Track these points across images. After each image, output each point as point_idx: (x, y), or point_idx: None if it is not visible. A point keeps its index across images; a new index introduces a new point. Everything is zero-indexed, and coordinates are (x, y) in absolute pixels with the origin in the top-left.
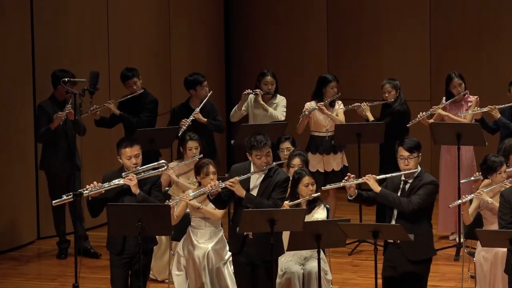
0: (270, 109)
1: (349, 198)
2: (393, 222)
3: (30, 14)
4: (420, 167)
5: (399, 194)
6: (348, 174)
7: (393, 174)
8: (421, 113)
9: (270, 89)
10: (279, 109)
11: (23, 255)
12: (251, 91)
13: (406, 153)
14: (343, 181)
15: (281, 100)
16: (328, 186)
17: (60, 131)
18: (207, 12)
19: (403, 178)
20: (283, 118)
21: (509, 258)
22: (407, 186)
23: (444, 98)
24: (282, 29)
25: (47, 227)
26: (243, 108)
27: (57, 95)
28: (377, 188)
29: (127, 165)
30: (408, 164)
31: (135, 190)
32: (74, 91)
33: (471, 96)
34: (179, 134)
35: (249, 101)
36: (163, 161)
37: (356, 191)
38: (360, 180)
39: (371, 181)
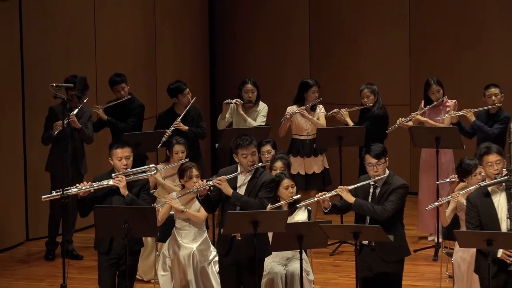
0: (248, 119)
1: (324, 211)
2: (368, 223)
3: (19, 21)
4: (388, 170)
5: (369, 199)
6: (321, 193)
7: (364, 183)
8: (400, 118)
9: (251, 97)
10: (258, 118)
11: (12, 256)
12: (231, 100)
13: (374, 160)
14: (317, 195)
15: (262, 108)
16: (302, 203)
17: (67, 137)
18: (192, 19)
19: (372, 183)
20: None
21: (478, 258)
22: (377, 191)
23: (422, 102)
24: (265, 35)
25: (36, 228)
26: (227, 116)
27: (70, 102)
28: (351, 199)
29: (118, 166)
30: (377, 170)
31: (124, 191)
32: (62, 96)
33: (449, 101)
34: (159, 146)
35: (233, 108)
36: (152, 165)
37: (330, 203)
38: (333, 193)
39: (344, 193)
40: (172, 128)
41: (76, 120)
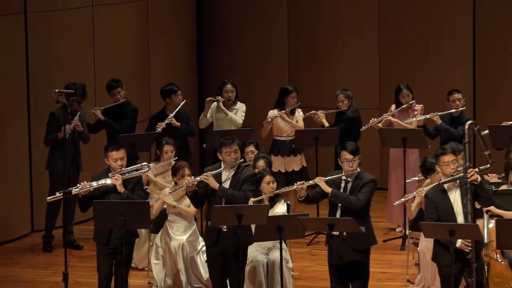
0: (230, 113)
1: (299, 199)
2: (339, 216)
3: (25, 33)
4: (359, 167)
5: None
6: (299, 182)
7: (338, 175)
8: (373, 118)
9: (230, 96)
10: (238, 113)
11: (18, 247)
12: (212, 98)
13: (350, 156)
14: (296, 183)
15: (241, 106)
16: (283, 189)
17: (68, 138)
18: (181, 29)
19: (344, 178)
20: (241, 121)
21: (436, 248)
22: (349, 185)
23: (393, 106)
24: (248, 44)
25: (40, 221)
26: (208, 115)
27: (70, 107)
28: (327, 189)
29: (113, 166)
30: (352, 166)
31: (120, 188)
32: (64, 100)
33: (417, 105)
34: (157, 140)
35: (213, 108)
36: (145, 163)
37: (305, 193)
38: (311, 182)
39: (322, 183)
40: (166, 121)
41: (79, 124)
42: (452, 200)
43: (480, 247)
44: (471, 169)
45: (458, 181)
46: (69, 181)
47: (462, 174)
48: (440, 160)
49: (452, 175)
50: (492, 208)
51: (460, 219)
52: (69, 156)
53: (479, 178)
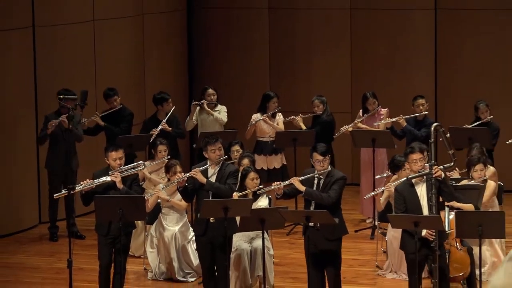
0: (215, 114)
1: (276, 196)
2: (313, 208)
3: (33, 46)
4: (329, 166)
5: (314, 188)
6: (277, 183)
7: (313, 174)
8: (344, 126)
9: (212, 99)
10: (222, 113)
11: (27, 237)
12: (197, 102)
13: (320, 157)
14: (273, 184)
15: (222, 107)
16: (262, 190)
17: (60, 138)
18: (174, 43)
19: (316, 176)
20: (226, 120)
21: (403, 237)
22: (321, 181)
23: (361, 111)
24: (234, 56)
25: (46, 214)
26: (193, 118)
27: (62, 110)
28: (302, 188)
29: (113, 165)
30: (323, 165)
31: (119, 185)
32: (68, 105)
33: (382, 110)
34: (151, 140)
35: (197, 112)
36: (141, 162)
37: (282, 191)
38: (287, 182)
39: (296, 182)
40: (160, 127)
41: (66, 121)
42: (418, 194)
43: (444, 237)
44: (436, 166)
45: (424, 176)
46: (65, 178)
47: (428, 170)
48: (409, 157)
49: (419, 172)
50: (453, 203)
51: (426, 211)
52: (62, 155)
53: (443, 175)
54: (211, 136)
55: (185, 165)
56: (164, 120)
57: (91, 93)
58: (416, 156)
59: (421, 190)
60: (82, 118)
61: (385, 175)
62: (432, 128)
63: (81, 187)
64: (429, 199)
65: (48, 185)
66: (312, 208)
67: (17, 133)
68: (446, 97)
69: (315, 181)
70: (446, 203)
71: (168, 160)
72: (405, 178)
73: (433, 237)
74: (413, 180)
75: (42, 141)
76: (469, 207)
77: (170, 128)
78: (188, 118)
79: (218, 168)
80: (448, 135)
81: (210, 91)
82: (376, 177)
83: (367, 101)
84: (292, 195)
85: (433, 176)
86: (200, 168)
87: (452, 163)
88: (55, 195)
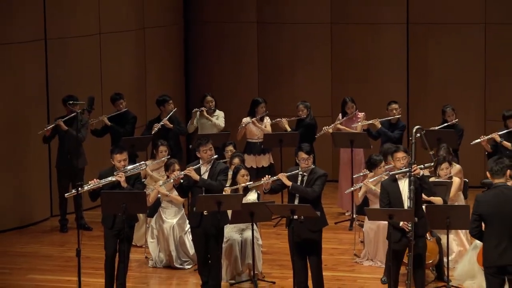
0: (213, 119)
1: (264, 191)
2: (297, 203)
3: (45, 55)
4: (313, 164)
5: (298, 183)
6: (266, 176)
7: (298, 171)
8: (325, 127)
9: (211, 106)
10: (219, 119)
11: (40, 228)
12: (197, 109)
13: (305, 156)
14: (263, 179)
15: (220, 113)
16: (252, 184)
17: (64, 139)
18: (172, 54)
19: (301, 173)
20: (223, 125)
21: (389, 228)
22: (305, 178)
23: (340, 114)
24: (226, 65)
25: (57, 208)
26: (194, 123)
27: (67, 113)
28: (288, 183)
29: (118, 166)
30: (308, 163)
31: (124, 184)
32: (76, 110)
33: (359, 113)
34: (153, 133)
35: (197, 117)
36: (143, 162)
37: (270, 186)
38: (274, 178)
39: (284, 178)
40: (161, 123)
41: (62, 124)
42: (401, 189)
43: (426, 228)
44: (415, 165)
45: (407, 173)
46: (72, 175)
47: (407, 168)
48: (394, 156)
49: (400, 169)
50: (431, 198)
51: (406, 204)
52: (66, 155)
53: (421, 172)
54: (203, 137)
55: (183, 163)
56: (166, 118)
57: (97, 99)
58: (400, 155)
59: (403, 186)
60: (90, 120)
61: (362, 174)
62: (414, 130)
63: (89, 186)
64: (409, 192)
65: (58, 183)
66: (296, 203)
67: (31, 135)
68: (417, 102)
69: (300, 178)
70: (426, 198)
71: (168, 159)
72: (382, 174)
73: (409, 228)
74: (396, 176)
75: (45, 141)
76: (439, 200)
77: (172, 125)
78: (189, 122)
79: (210, 166)
80: (418, 135)
81: (209, 98)
82: (357, 175)
83: (346, 105)
84: (278, 190)
85: (412, 173)
86: (194, 167)
87: (432, 163)
88: (66, 194)
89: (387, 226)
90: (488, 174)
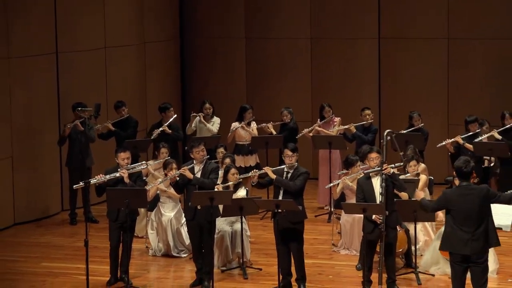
0: (209, 125)
1: (252, 184)
2: (281, 198)
3: (56, 67)
4: (296, 163)
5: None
6: (254, 170)
7: (283, 167)
8: (305, 129)
9: (208, 112)
10: (214, 125)
11: (52, 222)
12: (195, 113)
13: (290, 153)
14: (251, 172)
15: (216, 119)
16: (241, 176)
17: (76, 140)
18: (170, 66)
19: (286, 169)
20: (216, 131)
21: (364, 221)
22: (289, 174)
23: (318, 119)
24: (217, 76)
25: (67, 203)
26: (193, 125)
27: (76, 118)
28: (273, 176)
29: (121, 164)
30: (292, 160)
31: (127, 180)
32: (84, 116)
33: (336, 118)
34: (152, 137)
35: (196, 121)
36: (144, 162)
37: (257, 179)
38: (262, 171)
39: (269, 171)
40: (161, 129)
41: (79, 124)
42: (374, 185)
43: (397, 221)
44: (386, 165)
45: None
46: (82, 173)
47: (379, 167)
48: (368, 156)
49: (373, 168)
50: (402, 193)
51: (378, 199)
52: (78, 154)
53: (392, 171)
54: (195, 140)
55: (179, 165)
56: (166, 124)
57: (103, 106)
58: (373, 155)
59: (376, 183)
60: (97, 125)
61: (339, 173)
62: (385, 134)
63: (96, 180)
64: (381, 189)
65: (69, 180)
66: (281, 197)
67: (44, 139)
68: (387, 108)
69: (284, 174)
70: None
71: (166, 159)
72: (358, 172)
73: (380, 220)
74: (371, 174)
75: (61, 142)
76: (405, 196)
77: (170, 131)
78: (188, 125)
79: (202, 166)
80: (389, 138)
81: (207, 105)
82: (338, 173)
83: (323, 110)
84: (265, 185)
85: (383, 172)
86: (188, 167)
87: (401, 163)
88: (74, 186)
89: (362, 218)
90: (454, 173)
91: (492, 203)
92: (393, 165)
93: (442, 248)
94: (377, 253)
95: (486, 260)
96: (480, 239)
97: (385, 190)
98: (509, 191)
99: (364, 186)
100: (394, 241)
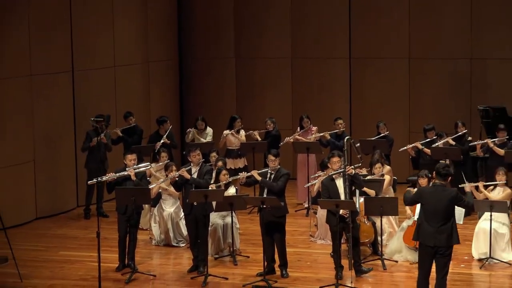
0: (201, 139)
1: (240, 183)
2: (265, 195)
3: (72, 83)
4: (279, 165)
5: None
6: (241, 173)
7: (267, 170)
8: (287, 137)
9: (201, 128)
10: (208, 137)
11: (68, 216)
12: (191, 129)
13: (273, 158)
14: (240, 174)
15: (209, 130)
16: (231, 178)
17: (96, 149)
18: (170, 82)
19: (269, 172)
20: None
21: (328, 214)
22: (273, 176)
23: (298, 128)
24: (210, 91)
25: (82, 200)
26: (190, 138)
27: (96, 128)
28: (258, 178)
29: (129, 164)
30: (274, 164)
31: (133, 178)
32: (96, 125)
33: (313, 127)
34: (156, 150)
35: (193, 133)
36: (148, 163)
37: (245, 180)
38: (249, 174)
39: (255, 174)
40: (162, 141)
41: (105, 138)
42: (338, 185)
43: (356, 214)
44: (348, 166)
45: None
46: (99, 174)
47: (342, 169)
48: (330, 160)
49: (336, 170)
50: (366, 190)
51: (342, 197)
52: (98, 159)
53: (353, 172)
54: (192, 145)
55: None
56: (165, 136)
57: (112, 117)
58: (335, 159)
59: (339, 183)
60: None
61: (316, 175)
62: (345, 140)
63: (107, 178)
64: (344, 188)
65: (87, 179)
66: (265, 195)
67: (62, 145)
68: (357, 118)
69: (268, 175)
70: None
71: (167, 162)
72: (329, 174)
73: (347, 215)
74: (334, 176)
75: (84, 150)
76: (372, 192)
77: (169, 142)
78: (185, 138)
79: (198, 168)
80: (359, 144)
81: (200, 122)
82: (314, 175)
83: (302, 120)
84: (251, 184)
85: (346, 173)
86: (186, 169)
87: (360, 164)
88: (88, 182)
89: (326, 213)
90: (434, 174)
91: (458, 206)
92: (353, 166)
93: (414, 238)
94: (347, 242)
95: (450, 254)
96: (443, 234)
97: (349, 188)
98: (471, 201)
99: (329, 187)
100: (356, 232)
